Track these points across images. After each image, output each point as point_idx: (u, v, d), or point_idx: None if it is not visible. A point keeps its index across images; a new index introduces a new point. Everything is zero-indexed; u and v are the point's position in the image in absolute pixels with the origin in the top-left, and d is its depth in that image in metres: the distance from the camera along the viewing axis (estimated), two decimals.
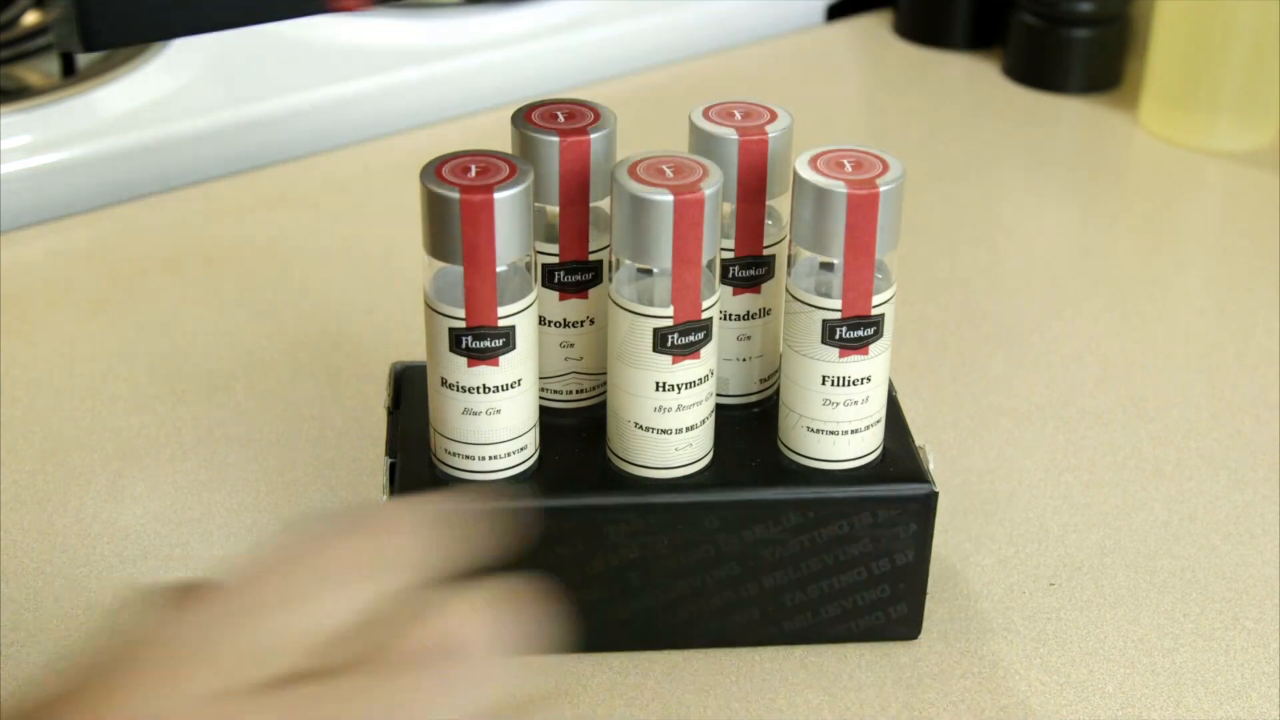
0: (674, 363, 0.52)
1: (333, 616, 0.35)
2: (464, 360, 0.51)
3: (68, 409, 0.68)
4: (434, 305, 0.51)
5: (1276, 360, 0.73)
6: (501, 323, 0.51)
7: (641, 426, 0.53)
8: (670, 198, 0.49)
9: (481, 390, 0.52)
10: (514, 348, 0.51)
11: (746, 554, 0.54)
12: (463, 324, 0.51)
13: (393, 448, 0.55)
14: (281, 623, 0.35)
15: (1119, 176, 0.91)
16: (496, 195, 0.49)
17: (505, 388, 0.52)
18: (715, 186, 0.50)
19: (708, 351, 0.52)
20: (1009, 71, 1.00)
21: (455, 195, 0.49)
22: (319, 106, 0.89)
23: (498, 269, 0.50)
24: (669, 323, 0.51)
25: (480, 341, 0.51)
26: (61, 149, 0.83)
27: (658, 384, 0.52)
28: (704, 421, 0.53)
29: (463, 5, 0.98)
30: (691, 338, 0.51)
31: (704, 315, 0.51)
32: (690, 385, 0.52)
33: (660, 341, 0.51)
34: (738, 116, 0.54)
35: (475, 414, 0.52)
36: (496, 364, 0.51)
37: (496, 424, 0.52)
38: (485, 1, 0.98)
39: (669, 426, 0.53)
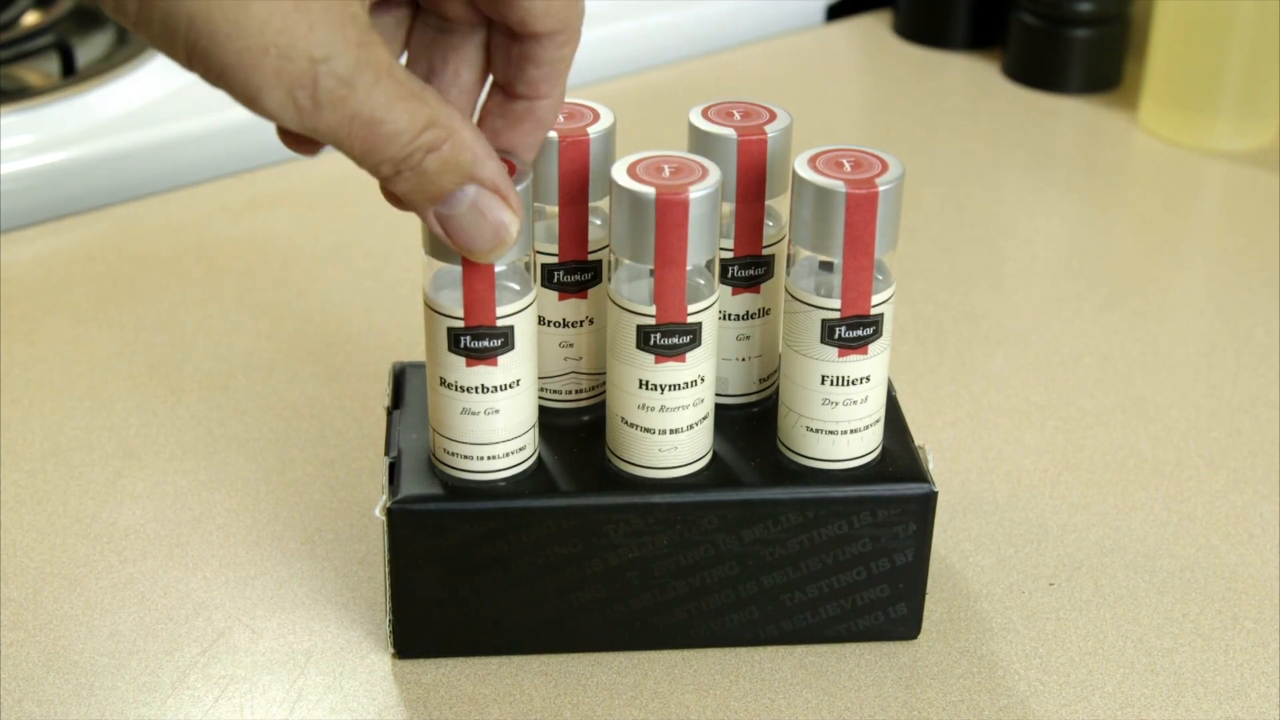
0: (657, 362, 0.52)
1: None
2: (462, 360, 0.51)
3: (68, 409, 0.68)
4: (433, 305, 0.51)
5: (1276, 360, 0.73)
6: (500, 323, 0.51)
7: (627, 422, 0.53)
8: (653, 197, 0.49)
9: (480, 390, 0.52)
10: (512, 348, 0.51)
11: (746, 554, 0.54)
12: (461, 324, 0.51)
13: (392, 447, 0.55)
14: None
15: (1119, 176, 0.91)
16: None
17: (504, 388, 0.52)
18: (706, 190, 0.49)
19: (696, 357, 0.52)
20: (1009, 71, 1.00)
21: None
22: None
23: (498, 269, 0.50)
24: (651, 321, 0.51)
25: (479, 341, 0.51)
26: (61, 149, 0.83)
27: (641, 381, 0.52)
28: (692, 427, 0.53)
29: None
30: (675, 340, 0.51)
31: (691, 320, 0.51)
32: (675, 388, 0.52)
33: (643, 339, 0.51)
34: (737, 116, 0.54)
35: (474, 414, 0.52)
36: (495, 364, 0.51)
37: (495, 424, 0.52)
38: None
39: (652, 426, 0.53)
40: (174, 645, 0.56)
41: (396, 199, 0.47)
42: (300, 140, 0.46)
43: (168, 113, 0.86)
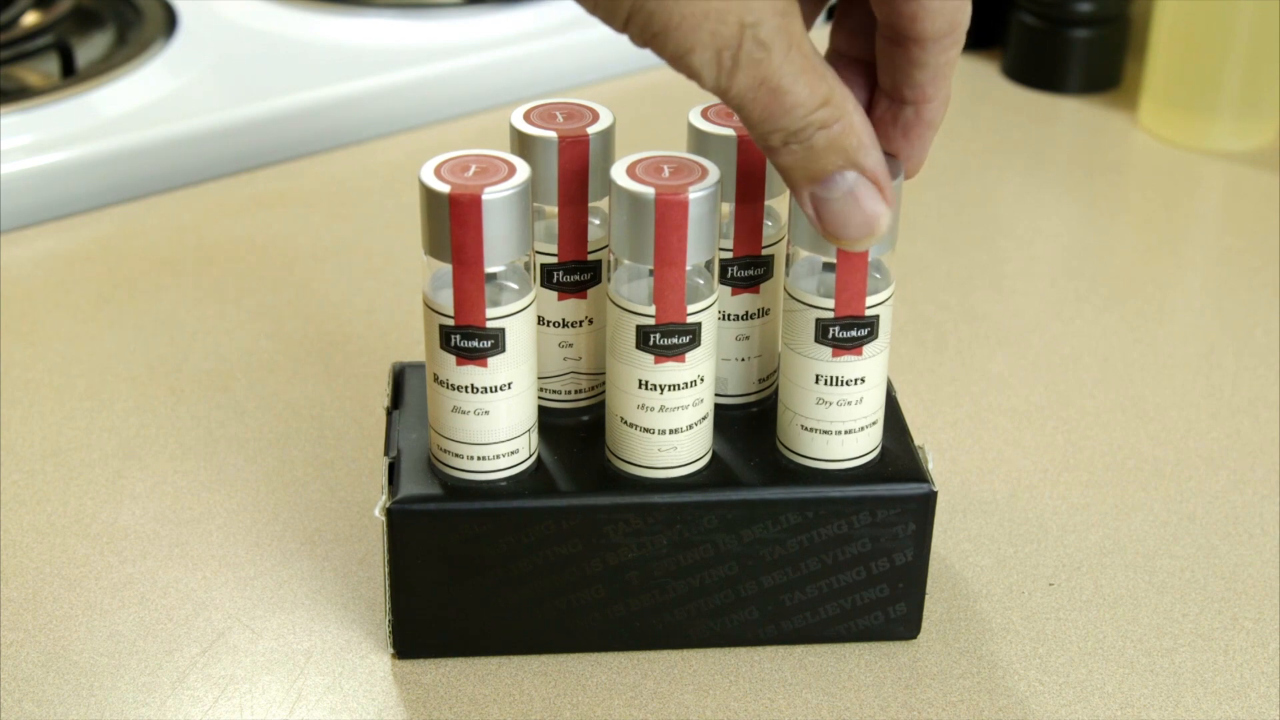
0: (656, 362, 0.52)
1: None
2: (453, 358, 0.51)
3: (68, 409, 0.68)
4: (429, 301, 0.51)
5: (1276, 360, 0.73)
6: (490, 324, 0.51)
7: (627, 422, 0.53)
8: (653, 197, 0.49)
9: (470, 390, 0.52)
10: (503, 350, 0.51)
11: (745, 553, 0.54)
12: (452, 322, 0.51)
13: (392, 447, 0.55)
14: None
15: (1118, 177, 0.91)
16: (484, 196, 0.49)
17: (494, 389, 0.52)
18: (706, 190, 0.49)
19: (695, 357, 0.52)
20: (1009, 71, 1.00)
21: (445, 193, 0.49)
22: (319, 106, 0.89)
23: (491, 270, 0.50)
24: (651, 321, 0.51)
25: (469, 341, 0.51)
26: (61, 149, 0.83)
27: (640, 381, 0.52)
28: (691, 427, 0.53)
29: (463, 5, 0.98)
30: (675, 340, 0.51)
31: (690, 320, 0.51)
32: (674, 388, 0.52)
33: (643, 339, 0.51)
34: (737, 116, 0.54)
35: (464, 413, 0.52)
36: (485, 365, 0.51)
37: (485, 425, 0.52)
38: (485, 1, 0.98)
39: (652, 426, 0.53)
40: (174, 645, 0.56)
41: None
42: None
43: (168, 113, 0.86)
